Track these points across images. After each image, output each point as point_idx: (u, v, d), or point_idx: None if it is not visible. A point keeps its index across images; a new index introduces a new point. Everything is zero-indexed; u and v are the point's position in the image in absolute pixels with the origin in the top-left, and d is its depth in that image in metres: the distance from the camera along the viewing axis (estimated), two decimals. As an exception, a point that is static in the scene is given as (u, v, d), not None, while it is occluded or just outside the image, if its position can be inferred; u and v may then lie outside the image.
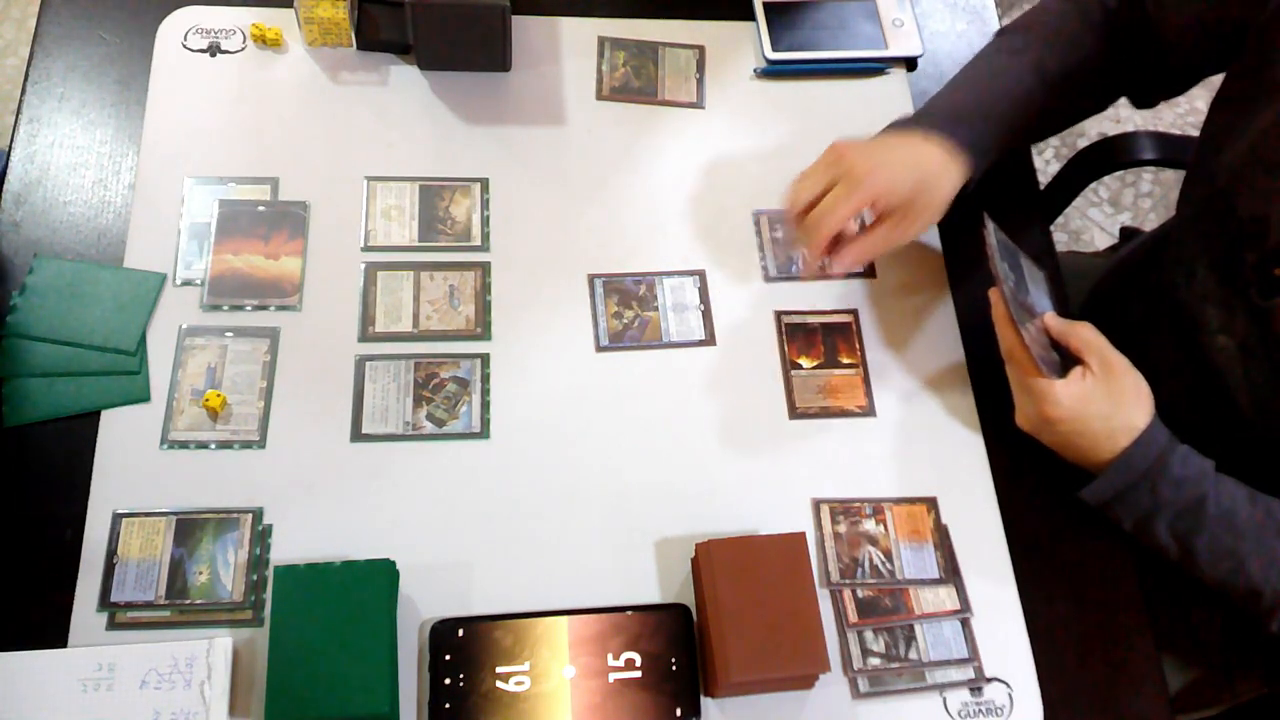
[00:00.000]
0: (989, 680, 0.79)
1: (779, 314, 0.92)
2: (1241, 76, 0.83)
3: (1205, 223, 0.85)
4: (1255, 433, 0.81)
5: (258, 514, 0.80)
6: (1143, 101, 0.96)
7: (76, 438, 0.81)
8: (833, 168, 0.85)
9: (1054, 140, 2.05)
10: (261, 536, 0.79)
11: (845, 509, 0.84)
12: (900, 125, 0.90)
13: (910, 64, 1.06)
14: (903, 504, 0.85)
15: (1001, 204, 1.00)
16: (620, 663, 0.75)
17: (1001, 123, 0.90)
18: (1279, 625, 0.76)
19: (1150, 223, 2.01)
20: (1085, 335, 0.81)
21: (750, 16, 1.06)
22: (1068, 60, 0.91)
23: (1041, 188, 1.12)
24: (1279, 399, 0.79)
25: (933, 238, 0.97)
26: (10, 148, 0.92)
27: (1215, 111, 0.86)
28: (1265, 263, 0.79)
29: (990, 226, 0.84)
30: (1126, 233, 1.24)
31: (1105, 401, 0.78)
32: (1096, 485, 0.79)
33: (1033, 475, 0.88)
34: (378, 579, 0.74)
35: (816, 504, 0.84)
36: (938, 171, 0.85)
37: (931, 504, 0.85)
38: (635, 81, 1.02)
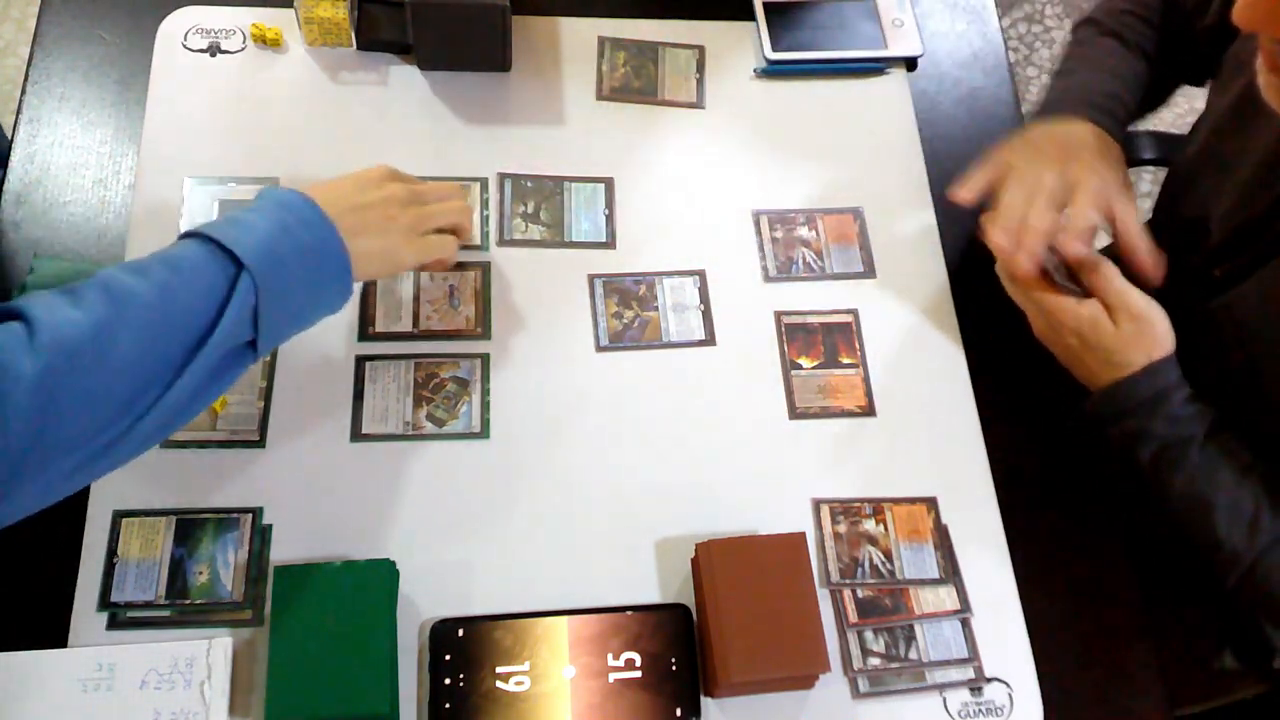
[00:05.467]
0: (989, 680, 0.79)
1: (779, 314, 0.92)
2: (1214, 74, 0.83)
3: (1162, 223, 0.85)
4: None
5: (258, 514, 0.80)
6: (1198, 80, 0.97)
7: (76, 438, 0.81)
8: (1037, 180, 0.81)
9: (1054, 140, 2.05)
10: (261, 536, 0.79)
11: (845, 509, 0.84)
12: (1038, 117, 0.89)
13: (910, 64, 1.06)
14: (903, 504, 0.85)
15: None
16: (620, 663, 0.75)
17: (1124, 102, 0.90)
18: (1234, 581, 0.76)
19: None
20: (1108, 274, 0.79)
21: (750, 16, 1.06)
22: (1155, 41, 0.92)
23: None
24: (1229, 403, 0.79)
25: (932, 237, 0.97)
26: (10, 146, 0.92)
27: (1197, 123, 0.87)
28: (1206, 264, 0.79)
29: None
30: None
31: (1120, 340, 0.78)
32: (1096, 401, 0.80)
33: (1033, 476, 0.88)
34: (378, 579, 0.74)
35: (816, 504, 0.84)
36: (1103, 151, 0.84)
37: (931, 504, 0.85)
38: (635, 81, 1.02)
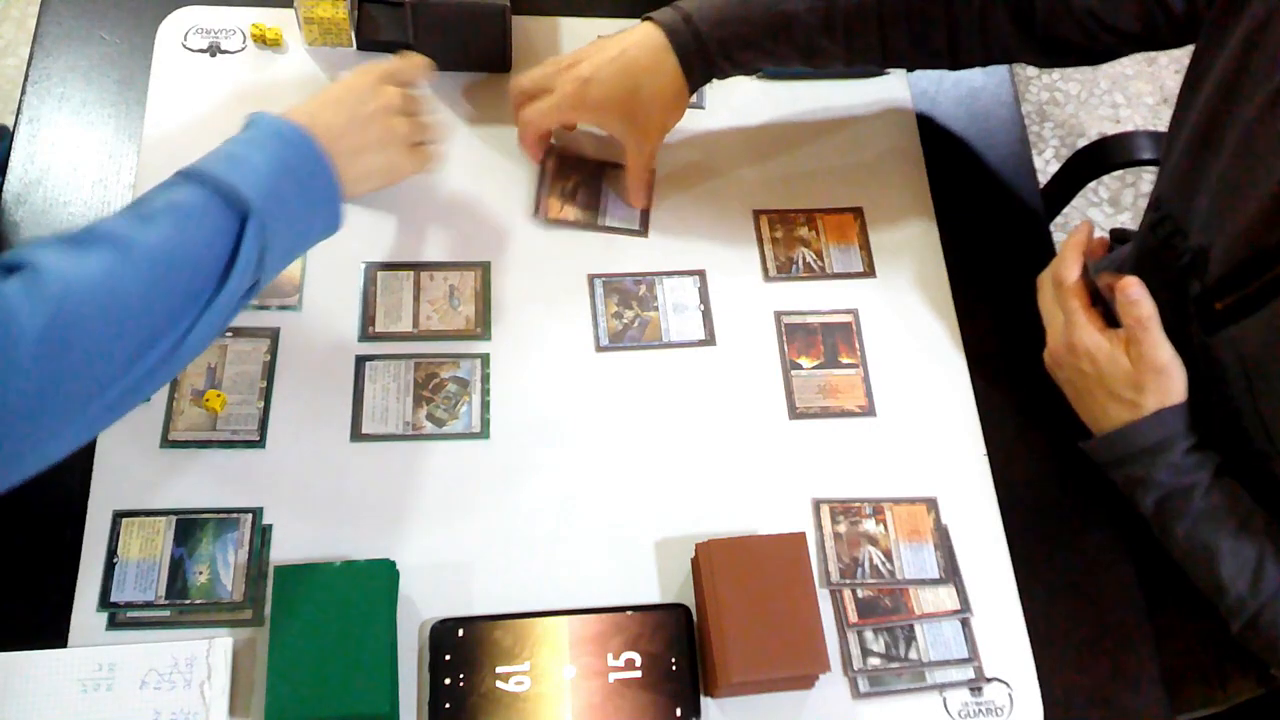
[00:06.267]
0: (989, 680, 0.79)
1: (779, 314, 0.92)
2: (1192, 98, 0.81)
3: (1158, 247, 0.84)
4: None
5: (258, 514, 0.80)
6: (1044, 64, 0.93)
7: (76, 438, 0.81)
8: (551, 77, 0.89)
9: (1054, 140, 2.05)
10: (261, 536, 0.79)
11: (845, 509, 0.84)
12: (646, 19, 0.89)
13: (910, 64, 1.06)
14: (903, 504, 0.85)
15: (1001, 203, 1.00)
16: (620, 663, 0.75)
17: (750, 36, 0.87)
18: (1239, 627, 0.76)
19: (1150, 223, 2.01)
20: (1149, 321, 0.76)
21: (750, 16, 1.06)
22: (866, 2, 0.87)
23: (1041, 187, 1.12)
24: (1227, 436, 0.78)
25: (932, 236, 0.97)
26: (10, 145, 0.92)
27: (1174, 131, 0.84)
28: (1207, 296, 0.78)
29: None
30: (1116, 235, 1.23)
31: (1135, 379, 0.77)
32: (1098, 444, 0.80)
33: (1033, 476, 0.88)
34: (378, 579, 0.74)
35: (816, 504, 0.84)
36: (656, 89, 0.87)
37: (931, 504, 0.85)
38: (635, 81, 1.02)
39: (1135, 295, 0.77)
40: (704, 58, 0.88)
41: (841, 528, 0.84)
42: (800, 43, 0.88)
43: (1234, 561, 0.75)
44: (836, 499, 0.85)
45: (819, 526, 0.84)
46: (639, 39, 0.88)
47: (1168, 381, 0.77)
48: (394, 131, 0.79)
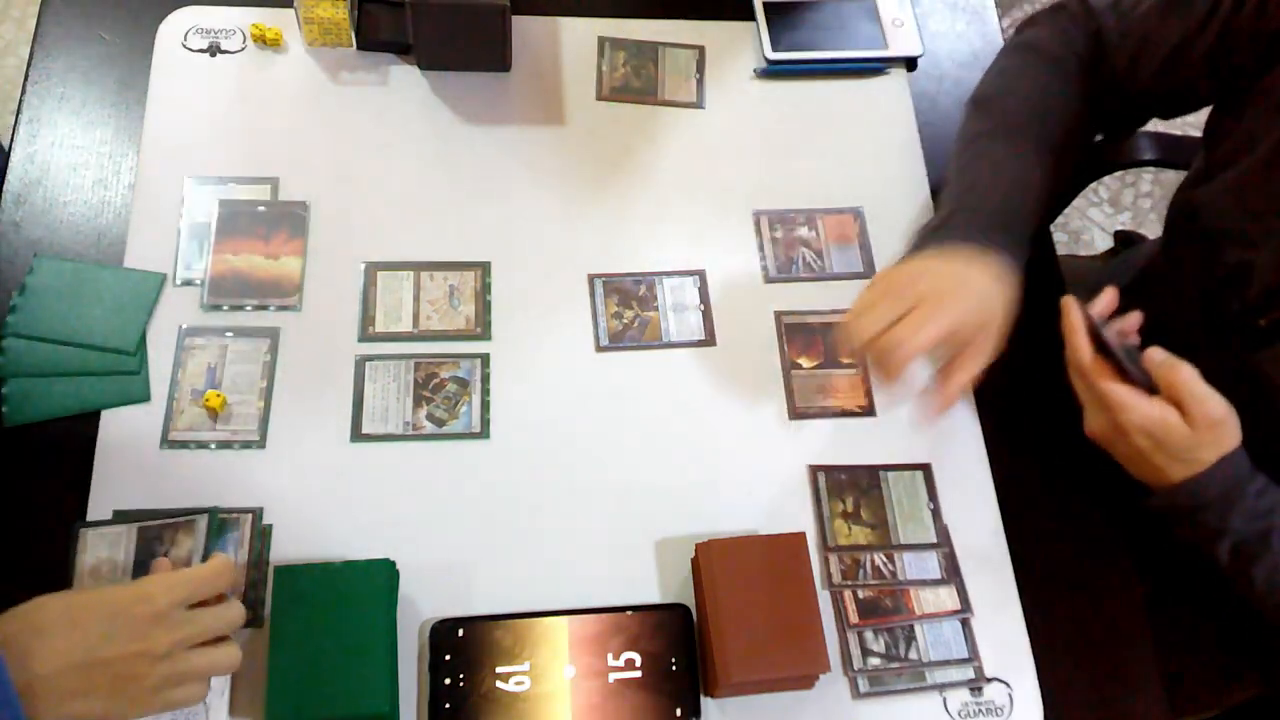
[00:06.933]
0: (989, 680, 0.79)
1: (779, 314, 0.92)
2: (1228, 110, 0.80)
3: (1191, 260, 0.83)
4: None
5: (258, 514, 0.80)
6: (1112, 137, 0.93)
7: (76, 438, 0.81)
8: (903, 297, 0.77)
9: (1054, 140, 2.05)
10: (261, 536, 0.79)
11: (845, 509, 0.84)
12: (935, 239, 0.82)
13: (910, 64, 1.06)
14: (903, 504, 0.85)
15: (1001, 204, 1.00)
16: (620, 663, 0.75)
17: (1028, 219, 0.85)
18: None
19: (1150, 223, 2.01)
20: (1188, 376, 0.73)
21: (750, 16, 1.06)
22: (1069, 127, 0.87)
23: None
24: (1267, 452, 0.77)
25: (933, 238, 0.97)
26: (10, 148, 0.92)
27: (1206, 143, 0.84)
28: (1248, 313, 0.77)
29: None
30: (1121, 237, 1.23)
31: (1193, 439, 0.74)
32: (1164, 500, 0.77)
33: (1033, 476, 0.88)
34: (378, 579, 0.74)
35: (816, 504, 0.84)
36: (993, 292, 0.80)
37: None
38: (635, 81, 1.02)
39: (1161, 358, 0.74)
40: (1023, 264, 0.83)
41: (841, 528, 0.84)
42: (1050, 198, 0.87)
43: None
44: (836, 499, 0.85)
45: (819, 526, 0.84)
46: (971, 263, 0.80)
47: (1223, 431, 0.74)
48: (136, 679, 0.62)
